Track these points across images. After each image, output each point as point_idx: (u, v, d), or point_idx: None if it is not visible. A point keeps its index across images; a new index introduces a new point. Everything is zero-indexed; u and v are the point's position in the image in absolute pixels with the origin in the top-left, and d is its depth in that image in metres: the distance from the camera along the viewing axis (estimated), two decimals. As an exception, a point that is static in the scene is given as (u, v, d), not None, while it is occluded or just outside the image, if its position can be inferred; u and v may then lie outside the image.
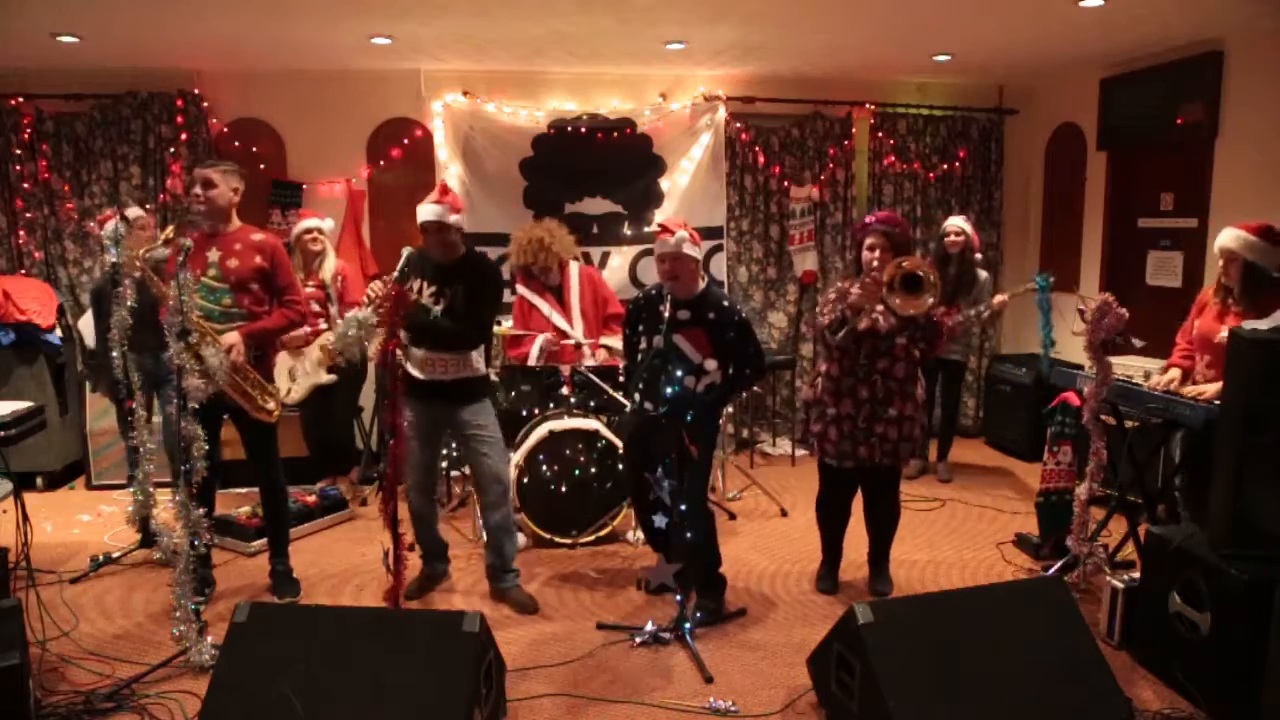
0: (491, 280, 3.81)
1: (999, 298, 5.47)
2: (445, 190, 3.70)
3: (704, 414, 3.56)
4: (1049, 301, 5.28)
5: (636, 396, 3.64)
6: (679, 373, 3.47)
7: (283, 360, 5.10)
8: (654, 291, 3.72)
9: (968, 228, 5.46)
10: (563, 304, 4.94)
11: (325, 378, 5.06)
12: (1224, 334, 3.57)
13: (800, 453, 6.12)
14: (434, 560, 4.04)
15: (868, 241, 3.66)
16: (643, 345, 3.66)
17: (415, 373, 3.71)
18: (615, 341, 4.88)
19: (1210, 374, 3.67)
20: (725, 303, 3.63)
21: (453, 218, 3.63)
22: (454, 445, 4.70)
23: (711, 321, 3.54)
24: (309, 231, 5.17)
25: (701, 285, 3.63)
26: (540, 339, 4.79)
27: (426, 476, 3.92)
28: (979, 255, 5.67)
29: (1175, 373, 3.77)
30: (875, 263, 3.57)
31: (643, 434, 3.63)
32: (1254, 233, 3.56)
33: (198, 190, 3.65)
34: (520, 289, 5.03)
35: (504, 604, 3.86)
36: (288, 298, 3.80)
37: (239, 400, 3.61)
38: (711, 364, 3.53)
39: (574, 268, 5.03)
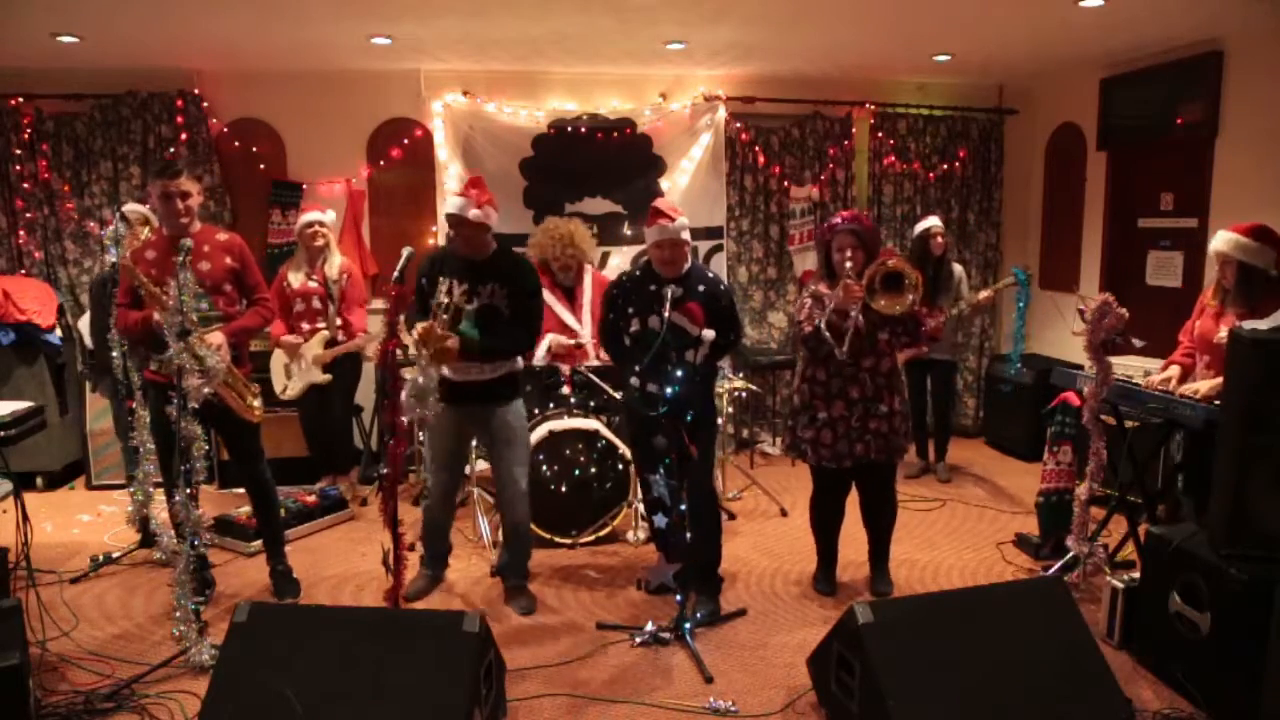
0: (534, 278, 3.74)
1: (982, 294, 5.48)
2: (473, 185, 3.62)
3: (703, 393, 3.60)
4: (1027, 296, 5.30)
5: (635, 381, 3.62)
6: (679, 372, 3.47)
7: (278, 358, 5.11)
8: (637, 273, 3.74)
9: (943, 226, 5.52)
10: (574, 304, 4.95)
11: (321, 377, 5.06)
12: (1222, 334, 3.57)
13: (800, 453, 6.12)
14: (437, 565, 4.03)
15: (836, 243, 3.66)
16: (634, 328, 3.65)
17: (447, 374, 3.62)
18: None
19: (1209, 375, 3.67)
20: (710, 274, 3.77)
21: (473, 213, 3.54)
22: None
23: (702, 293, 3.60)
24: (310, 226, 5.14)
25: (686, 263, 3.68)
26: (549, 339, 4.79)
27: (454, 488, 3.89)
28: (949, 252, 5.71)
29: (1174, 370, 3.78)
30: (849, 264, 3.57)
31: (646, 427, 3.62)
32: (1246, 234, 3.56)
33: (179, 205, 3.57)
34: None
35: (504, 603, 3.86)
36: (258, 296, 3.79)
37: (228, 400, 3.58)
38: (709, 333, 3.56)
39: (589, 271, 5.08)
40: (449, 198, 3.61)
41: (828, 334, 3.53)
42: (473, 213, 3.54)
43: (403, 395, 3.31)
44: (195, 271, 3.58)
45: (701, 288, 3.61)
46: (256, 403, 3.71)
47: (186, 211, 3.61)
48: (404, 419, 3.37)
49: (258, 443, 3.86)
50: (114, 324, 4.09)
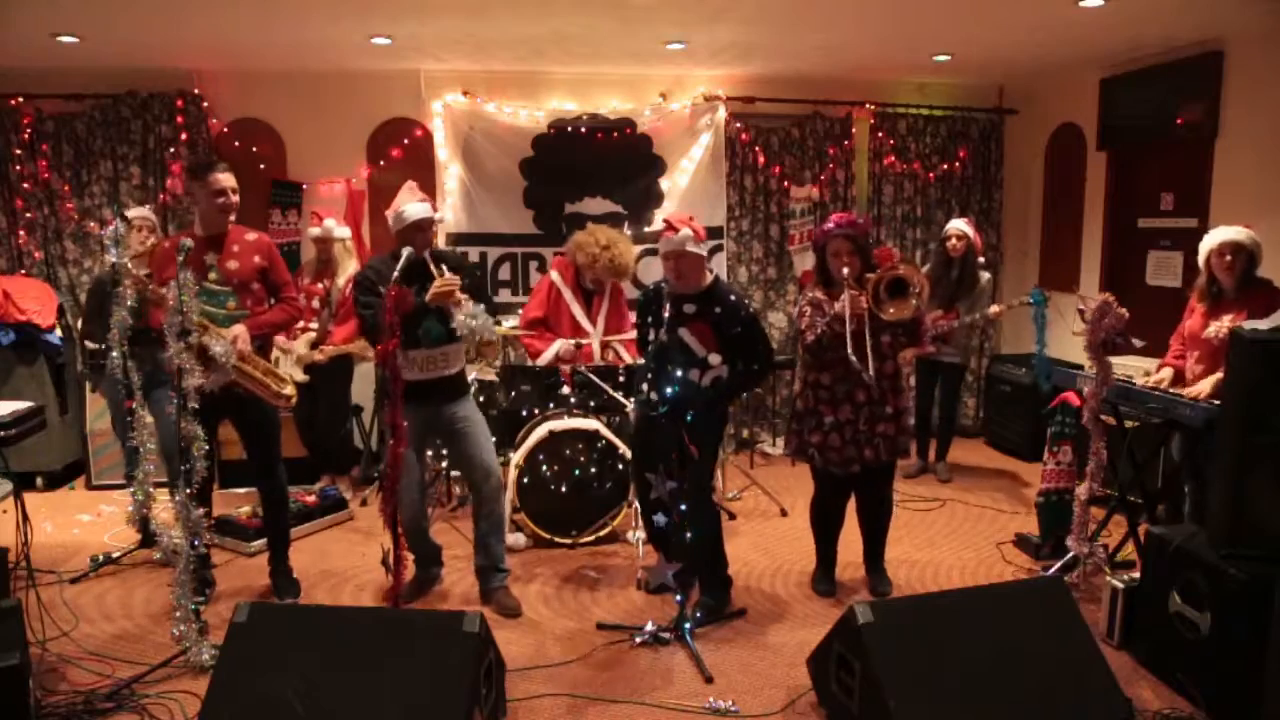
0: (466, 264, 3.83)
1: (994, 308, 5.42)
2: (416, 189, 3.70)
3: (705, 410, 3.52)
4: (1045, 317, 5.27)
5: (644, 388, 3.63)
6: (679, 372, 3.47)
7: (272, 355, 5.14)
8: (662, 284, 3.73)
9: (969, 230, 5.43)
10: (591, 307, 4.94)
11: (300, 376, 5.07)
12: (1211, 329, 3.64)
13: (800, 453, 6.12)
14: (428, 565, 4.02)
15: (831, 248, 3.64)
16: (651, 337, 3.66)
17: (414, 375, 3.65)
18: (620, 347, 4.92)
19: (1199, 369, 3.73)
20: (733, 297, 3.62)
21: (439, 213, 3.73)
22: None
23: (718, 316, 3.54)
24: (319, 240, 5.29)
25: (709, 279, 3.62)
26: (558, 345, 4.78)
27: (419, 488, 3.89)
28: (981, 259, 5.65)
29: (1167, 372, 3.83)
30: (845, 270, 3.56)
31: (648, 432, 3.63)
32: (1250, 230, 3.69)
33: (232, 199, 3.61)
34: (554, 275, 5.01)
35: (488, 605, 3.81)
36: (286, 295, 3.81)
37: (253, 389, 3.61)
38: (715, 358, 3.53)
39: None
40: (409, 205, 3.60)
41: (855, 360, 3.47)
42: (439, 214, 3.71)
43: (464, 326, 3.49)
44: (223, 270, 3.62)
45: (718, 309, 3.54)
46: (288, 389, 3.73)
47: (234, 207, 3.64)
48: (484, 337, 3.56)
49: (277, 447, 3.89)
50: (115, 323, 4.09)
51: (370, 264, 3.79)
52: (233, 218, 3.69)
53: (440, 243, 5.99)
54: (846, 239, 3.61)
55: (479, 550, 3.89)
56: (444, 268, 3.59)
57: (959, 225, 5.45)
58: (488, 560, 3.87)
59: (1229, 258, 3.66)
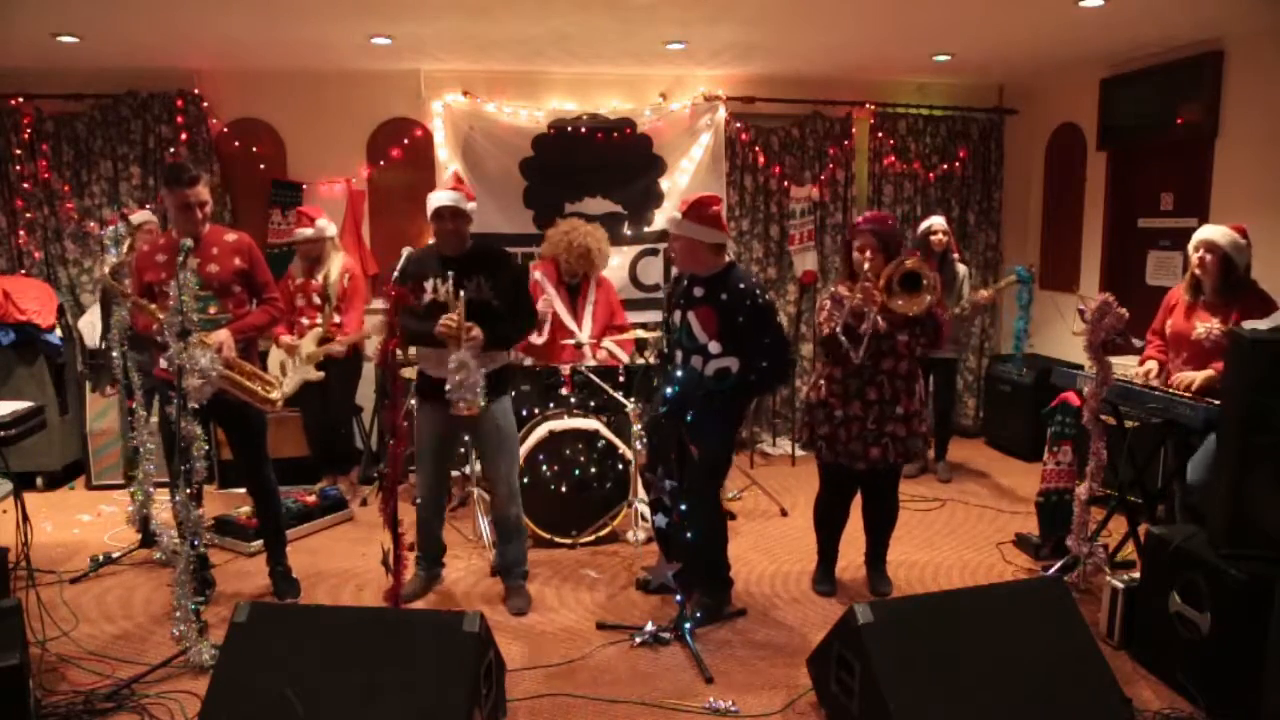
0: (513, 264, 3.71)
1: (982, 293, 5.48)
2: (460, 179, 3.67)
3: (705, 408, 3.46)
4: (1030, 294, 5.34)
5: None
6: (681, 368, 3.47)
7: (275, 357, 5.13)
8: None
9: (946, 226, 5.56)
10: (575, 304, 4.95)
11: (314, 375, 5.07)
12: (1200, 329, 3.66)
13: (800, 453, 6.12)
14: (432, 564, 4.02)
15: (857, 243, 3.66)
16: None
17: (431, 369, 3.59)
18: (614, 346, 4.91)
19: (1188, 370, 3.71)
20: (742, 285, 3.47)
21: (469, 206, 3.59)
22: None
23: (723, 302, 3.46)
24: (303, 242, 5.25)
25: (722, 264, 3.56)
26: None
27: (439, 486, 3.86)
28: (955, 254, 5.70)
29: (1153, 365, 3.86)
30: (866, 265, 3.57)
31: (654, 431, 3.64)
32: (1234, 230, 3.68)
33: (198, 214, 3.55)
34: (537, 275, 5.04)
35: (500, 603, 3.85)
36: (268, 295, 3.79)
37: (239, 395, 3.58)
38: (715, 346, 3.47)
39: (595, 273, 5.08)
40: (438, 191, 3.58)
41: (845, 339, 3.52)
42: (469, 205, 3.59)
43: (447, 389, 3.33)
44: (203, 274, 3.56)
45: (724, 295, 3.45)
46: (275, 393, 3.68)
47: (204, 219, 3.62)
48: (460, 410, 3.36)
49: (264, 447, 3.87)
50: (115, 323, 4.13)
51: (408, 258, 3.58)
52: (205, 227, 3.62)
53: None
54: (872, 234, 3.63)
55: (496, 548, 3.90)
56: (461, 294, 3.39)
57: (940, 221, 5.55)
58: (500, 562, 3.88)
59: (1202, 254, 3.69)
